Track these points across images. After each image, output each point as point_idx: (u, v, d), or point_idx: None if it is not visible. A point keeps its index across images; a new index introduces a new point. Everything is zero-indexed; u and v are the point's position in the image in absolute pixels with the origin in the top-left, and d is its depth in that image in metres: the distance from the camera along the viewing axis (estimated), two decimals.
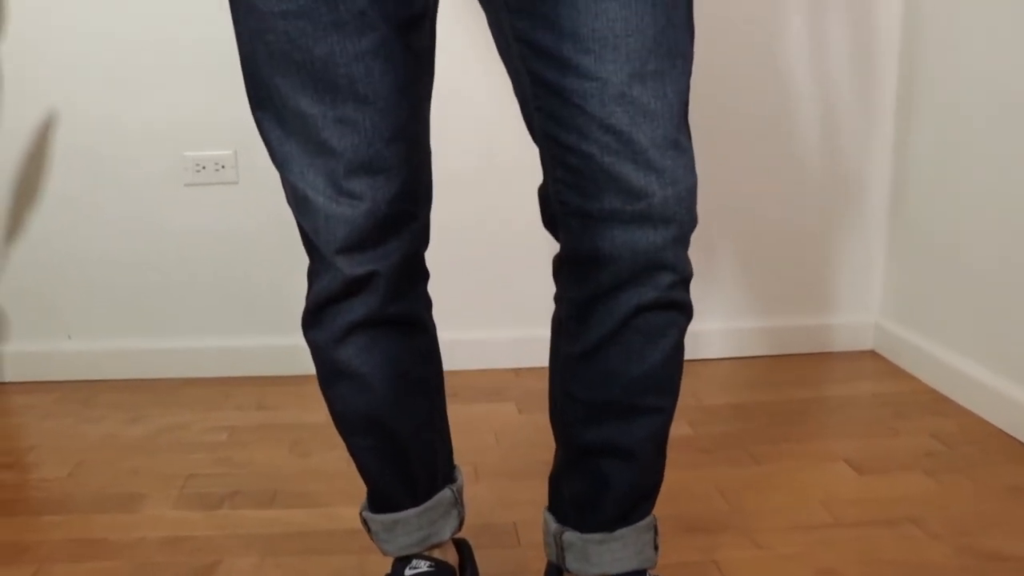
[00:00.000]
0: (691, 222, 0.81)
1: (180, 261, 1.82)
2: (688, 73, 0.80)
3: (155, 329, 1.86)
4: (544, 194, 0.88)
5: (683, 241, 0.81)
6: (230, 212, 1.79)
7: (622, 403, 0.85)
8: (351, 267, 0.86)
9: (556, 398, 0.91)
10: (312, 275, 0.90)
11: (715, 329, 1.94)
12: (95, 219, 1.80)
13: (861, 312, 1.98)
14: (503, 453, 1.50)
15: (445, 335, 1.78)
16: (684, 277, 0.82)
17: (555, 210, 0.85)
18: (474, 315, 1.86)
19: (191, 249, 1.82)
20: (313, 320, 0.90)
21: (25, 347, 1.86)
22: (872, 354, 1.96)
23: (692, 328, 1.91)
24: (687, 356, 1.91)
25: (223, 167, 1.76)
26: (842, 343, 1.98)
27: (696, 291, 1.91)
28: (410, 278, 0.90)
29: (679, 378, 0.88)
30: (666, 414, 0.87)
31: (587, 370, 0.86)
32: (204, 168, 1.77)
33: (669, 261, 0.80)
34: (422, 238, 0.91)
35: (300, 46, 0.80)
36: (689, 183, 0.79)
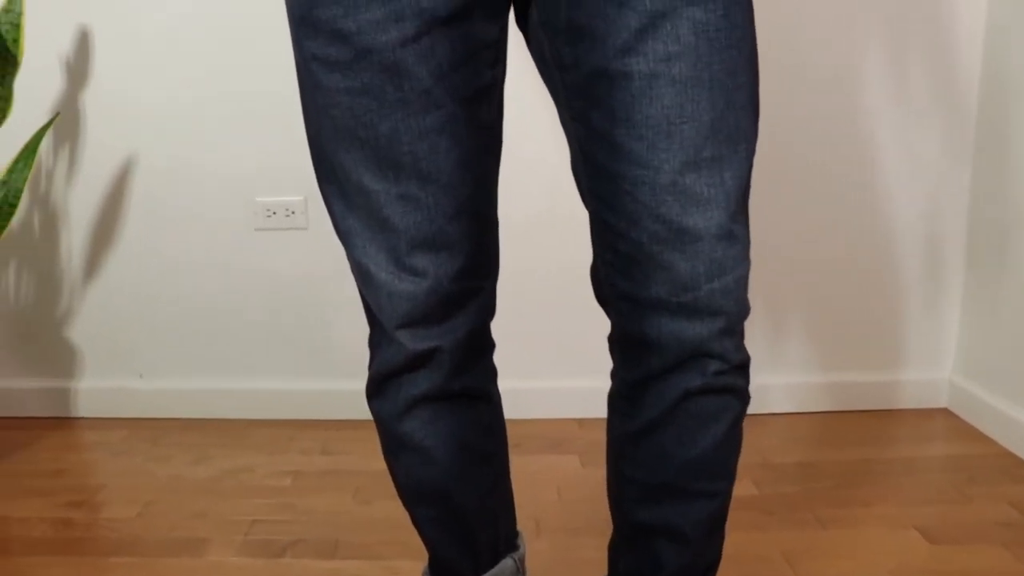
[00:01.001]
0: (739, 313, 0.80)
1: (250, 304, 1.86)
2: (750, 155, 0.79)
3: (223, 370, 1.89)
4: (595, 273, 0.88)
5: (731, 332, 0.80)
6: (299, 257, 1.82)
7: (675, 485, 0.84)
8: (414, 343, 0.86)
9: (611, 473, 0.90)
10: (374, 346, 0.90)
11: (782, 383, 1.91)
12: (168, 262, 1.85)
13: (934, 368, 1.92)
14: (565, 508, 1.49)
15: (509, 384, 1.79)
16: (735, 364, 0.81)
17: (605, 291, 0.85)
18: (539, 364, 1.85)
19: (260, 292, 1.85)
20: (376, 391, 0.90)
21: (98, 384, 1.91)
22: (945, 412, 1.91)
23: (758, 381, 1.87)
24: (755, 410, 1.88)
25: (293, 213, 1.80)
26: (914, 400, 1.93)
27: (763, 344, 1.88)
28: (475, 351, 0.90)
29: (735, 462, 0.86)
30: (721, 498, 0.85)
31: (640, 450, 0.85)
32: (275, 213, 1.81)
33: (716, 351, 0.79)
34: (488, 310, 0.91)
35: (364, 123, 0.80)
36: (738, 274, 0.78)
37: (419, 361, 0.88)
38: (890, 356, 1.92)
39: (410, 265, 0.84)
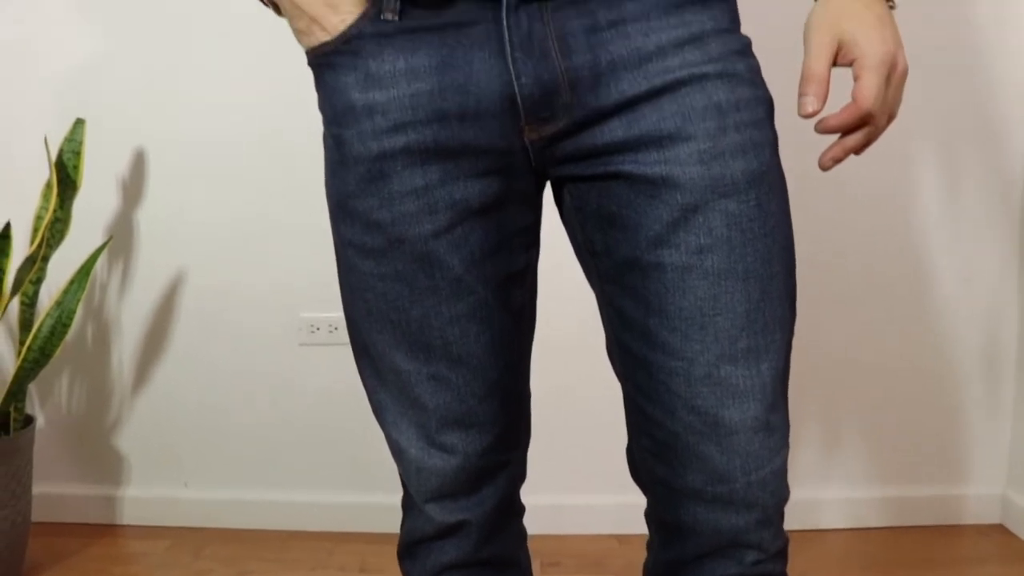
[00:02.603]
0: (777, 504, 0.79)
1: (293, 417, 1.88)
2: (788, 343, 0.79)
3: (265, 481, 1.91)
4: (631, 455, 0.88)
5: (768, 522, 0.79)
6: (342, 372, 1.84)
7: None
8: (442, 515, 0.87)
9: None
10: (406, 509, 0.91)
11: (831, 498, 1.87)
12: (214, 374, 1.88)
13: (987, 483, 1.87)
14: None
15: (548, 499, 1.79)
16: (773, 553, 0.80)
17: (641, 474, 0.85)
18: (578, 479, 1.84)
19: (304, 405, 1.87)
20: (407, 553, 0.91)
21: (143, 492, 1.94)
22: (1000, 528, 1.85)
23: (807, 496, 1.84)
24: (802, 526, 1.84)
25: (336, 329, 1.83)
26: (967, 516, 1.87)
27: (813, 458, 1.86)
28: (504, 517, 0.90)
29: None
30: None
31: None
32: (318, 329, 1.84)
33: (754, 542, 0.78)
34: (518, 478, 0.91)
35: (397, 307, 0.82)
36: (775, 465, 0.78)
37: (448, 531, 0.88)
38: (943, 471, 1.87)
39: (440, 442, 0.85)
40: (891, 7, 0.78)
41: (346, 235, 0.83)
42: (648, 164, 0.76)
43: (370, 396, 0.90)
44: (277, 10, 0.84)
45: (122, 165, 1.84)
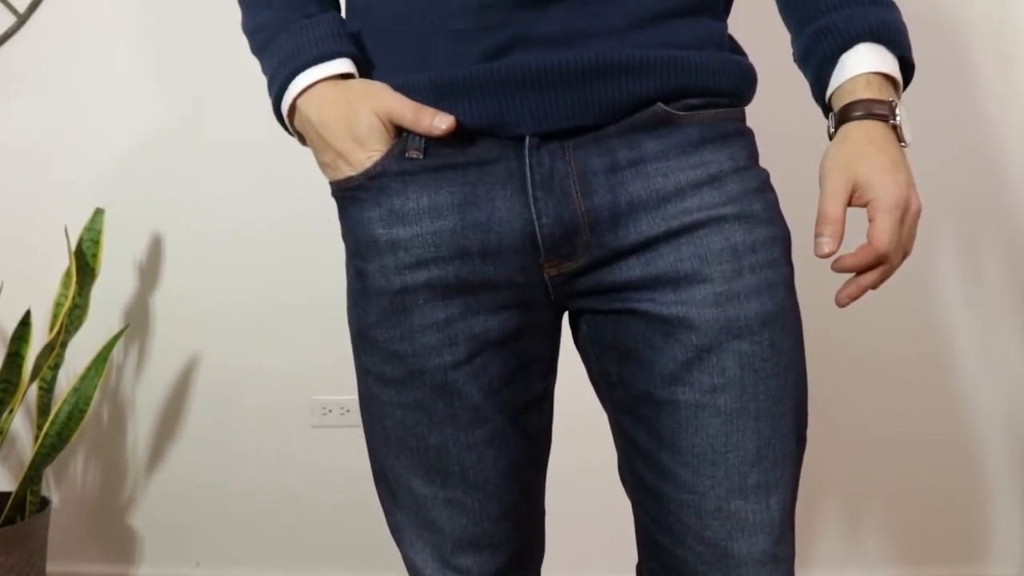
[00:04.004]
0: None
1: (306, 498, 1.89)
2: (796, 477, 0.81)
3: (277, 561, 1.91)
4: (639, 573, 0.89)
5: None
6: (354, 454, 1.84)
7: None
8: None
9: None
10: None
11: None
12: (228, 455, 1.90)
13: (1004, 564, 1.87)
14: None
15: None
16: None
17: None
18: (604, 559, 1.84)
19: (317, 487, 1.88)
20: None
21: (156, 571, 1.94)
22: None
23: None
24: None
25: (348, 411, 1.84)
26: None
27: (831, 538, 1.86)
28: None
29: None
30: None
31: None
32: (330, 411, 1.85)
33: None
34: None
35: (415, 434, 0.84)
36: None
37: None
38: (960, 550, 1.87)
39: (455, 564, 0.87)
40: (903, 146, 0.81)
41: (366, 364, 0.85)
42: (665, 304, 0.78)
43: (387, 517, 0.91)
44: (302, 140, 0.87)
45: (139, 249, 1.87)
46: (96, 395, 1.87)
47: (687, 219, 0.78)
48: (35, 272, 1.81)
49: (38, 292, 1.80)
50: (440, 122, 0.78)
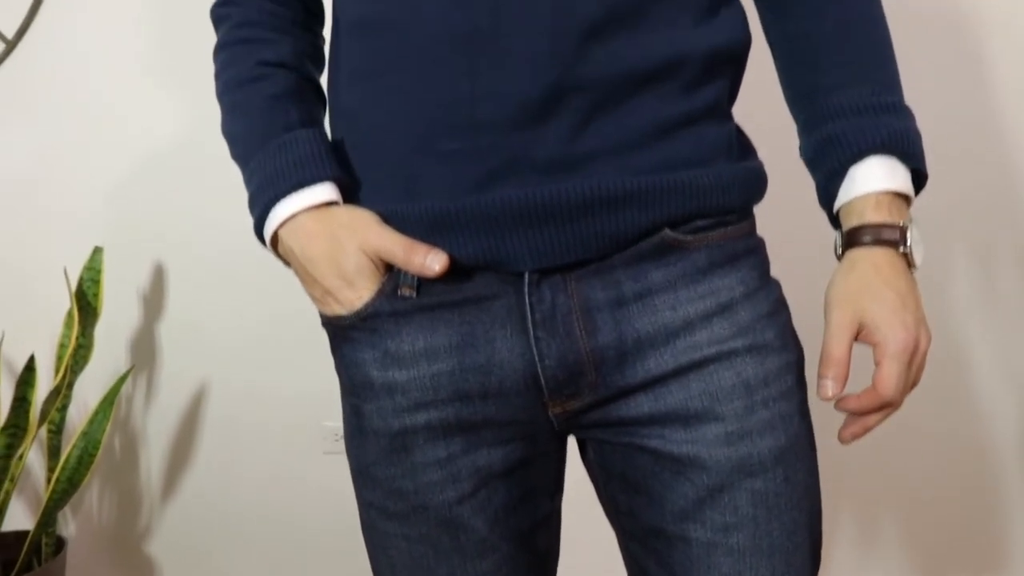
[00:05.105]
0: None
1: (319, 523, 1.89)
2: None
3: None
4: None
5: None
6: None
7: None
8: None
9: None
10: None
11: None
12: (241, 481, 1.89)
13: (1019, 574, 1.85)
14: None
15: None
16: None
17: None
18: None
19: (330, 512, 1.88)
20: None
21: None
22: None
23: None
24: None
25: None
26: None
27: (846, 548, 1.85)
28: None
29: None
30: None
31: None
32: (340, 437, 1.83)
33: None
34: None
35: (422, 565, 0.81)
36: None
37: None
38: (979, 559, 1.85)
39: None
40: (912, 268, 0.77)
41: (368, 498, 0.83)
42: (675, 443, 0.75)
43: None
44: (287, 263, 0.83)
45: (141, 279, 1.84)
46: (107, 428, 1.87)
47: (696, 355, 0.74)
48: (37, 313, 1.78)
49: (41, 331, 1.78)
50: (433, 263, 0.73)
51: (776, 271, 0.83)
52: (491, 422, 0.77)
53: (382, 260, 0.75)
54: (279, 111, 0.83)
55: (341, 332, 0.79)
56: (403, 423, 0.77)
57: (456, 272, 0.74)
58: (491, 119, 0.72)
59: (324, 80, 0.94)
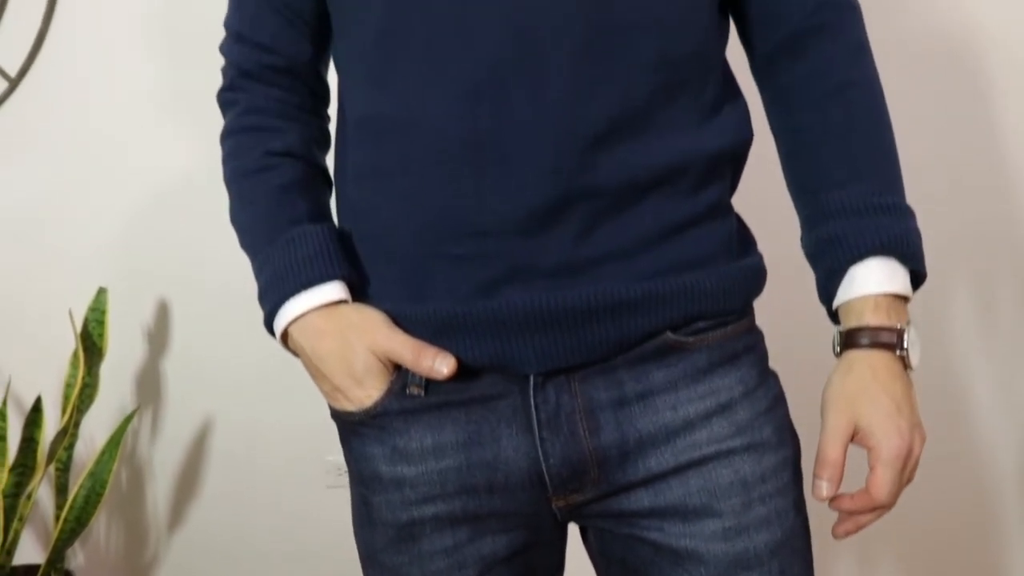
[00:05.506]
0: None
1: (321, 555, 1.91)
2: None
3: None
4: None
5: None
6: None
7: None
8: None
9: None
10: None
11: None
12: (246, 513, 1.92)
13: None
14: None
15: None
16: None
17: None
18: None
19: (332, 545, 1.89)
20: None
21: None
22: None
23: None
24: None
25: None
26: None
27: None
28: None
29: None
30: None
31: None
32: (344, 472, 1.85)
33: None
34: None
35: None
36: None
37: None
38: None
39: None
40: (909, 369, 0.79)
41: None
42: (673, 536, 0.77)
43: None
44: (295, 354, 0.85)
45: (146, 317, 1.86)
46: (113, 468, 1.90)
47: (696, 453, 0.77)
48: (43, 353, 1.81)
49: (48, 370, 1.80)
50: (442, 366, 0.75)
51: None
52: (496, 513, 0.79)
53: (391, 360, 0.77)
54: (287, 203, 0.84)
55: (350, 426, 0.81)
56: (411, 515, 0.79)
57: (463, 372, 0.76)
58: (497, 228, 0.74)
59: (330, 158, 0.96)
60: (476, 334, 0.75)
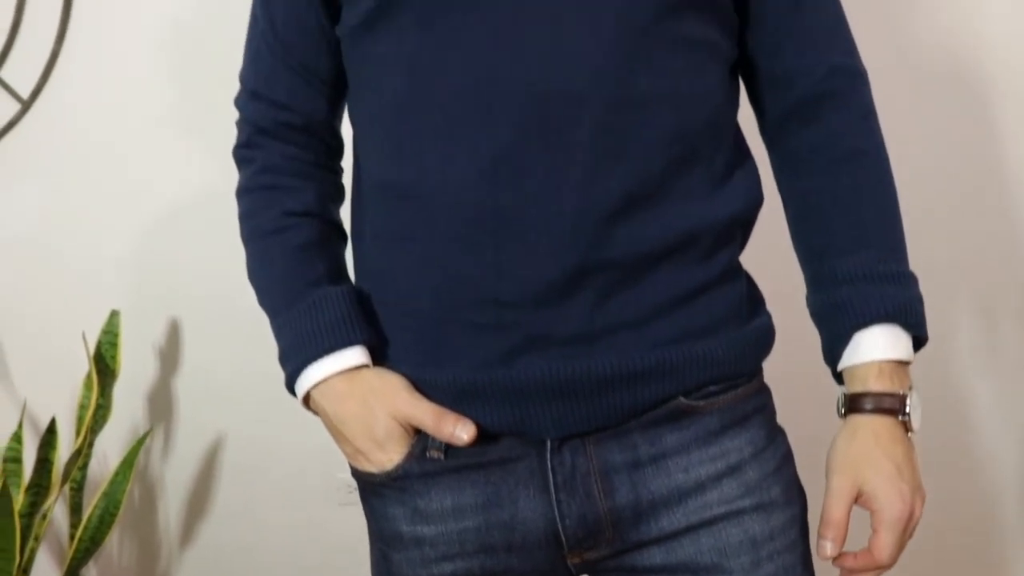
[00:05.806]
0: None
1: (333, 571, 1.94)
2: None
3: None
4: None
5: None
6: None
7: None
8: None
9: None
10: None
11: None
12: (257, 531, 1.94)
13: None
14: None
15: None
16: None
17: None
18: None
19: (344, 564, 1.93)
20: None
21: None
22: None
23: None
24: None
25: None
26: None
27: None
28: None
29: None
30: None
31: None
32: (355, 490, 1.87)
33: None
34: None
35: None
36: None
37: None
38: None
39: None
40: (910, 433, 0.81)
41: None
42: None
43: None
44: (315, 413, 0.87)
45: (158, 337, 1.88)
46: (127, 488, 1.92)
47: (707, 514, 0.79)
48: (58, 374, 1.83)
49: (62, 391, 1.82)
50: (462, 432, 0.78)
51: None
52: (513, 571, 0.82)
53: (412, 425, 0.80)
54: (306, 264, 0.86)
55: (371, 487, 0.83)
56: (430, 572, 0.82)
57: (481, 436, 0.79)
58: (515, 298, 0.76)
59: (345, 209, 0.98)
60: (495, 401, 0.77)
